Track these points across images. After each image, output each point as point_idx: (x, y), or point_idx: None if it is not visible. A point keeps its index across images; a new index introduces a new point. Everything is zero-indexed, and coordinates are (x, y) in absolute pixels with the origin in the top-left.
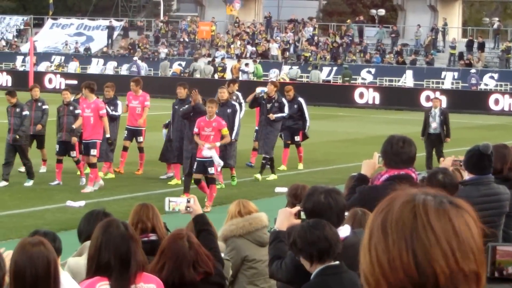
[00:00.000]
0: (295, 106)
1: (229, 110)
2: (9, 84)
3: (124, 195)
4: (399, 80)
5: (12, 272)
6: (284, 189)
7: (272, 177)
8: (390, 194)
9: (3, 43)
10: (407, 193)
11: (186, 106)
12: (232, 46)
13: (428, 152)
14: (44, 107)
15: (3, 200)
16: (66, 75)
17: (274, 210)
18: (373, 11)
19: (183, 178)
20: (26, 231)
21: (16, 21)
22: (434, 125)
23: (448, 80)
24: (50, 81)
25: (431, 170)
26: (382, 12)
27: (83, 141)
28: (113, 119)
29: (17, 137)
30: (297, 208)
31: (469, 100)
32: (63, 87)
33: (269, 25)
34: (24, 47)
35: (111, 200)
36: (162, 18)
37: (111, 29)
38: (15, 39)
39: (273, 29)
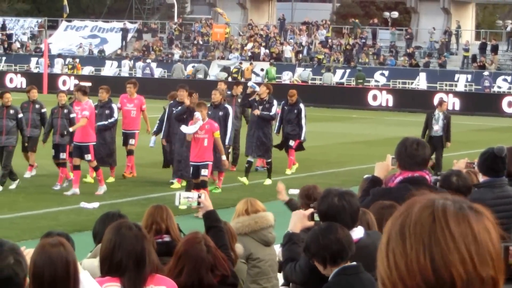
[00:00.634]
0: (295, 111)
1: (221, 113)
2: (24, 86)
3: (138, 196)
4: (412, 83)
5: (31, 272)
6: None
7: (268, 181)
8: (409, 199)
9: (18, 45)
10: (426, 198)
11: (180, 108)
12: (245, 48)
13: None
14: (42, 110)
15: (17, 201)
16: (80, 77)
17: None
18: (387, 14)
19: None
20: (40, 232)
21: (30, 23)
22: (436, 127)
23: (461, 82)
24: (64, 82)
25: (445, 172)
26: (395, 14)
27: (75, 144)
28: (109, 126)
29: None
30: (310, 210)
31: (482, 103)
32: None
33: (283, 27)
34: (38, 49)
35: (125, 202)
36: (176, 20)
37: (125, 31)
38: (29, 41)
39: (286, 31)
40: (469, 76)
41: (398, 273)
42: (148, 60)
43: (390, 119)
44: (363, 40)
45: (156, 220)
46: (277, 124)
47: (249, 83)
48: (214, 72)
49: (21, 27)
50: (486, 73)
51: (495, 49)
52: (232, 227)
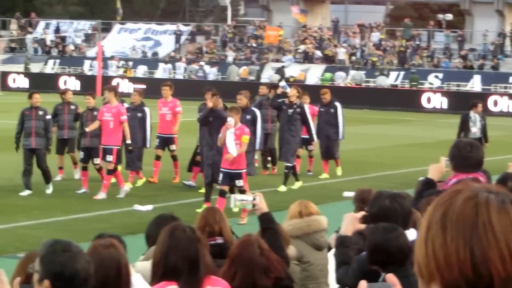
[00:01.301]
0: (331, 110)
1: (248, 117)
2: (78, 88)
3: (191, 199)
4: (466, 85)
5: None
6: (352, 193)
7: (298, 184)
8: (453, 188)
9: (71, 47)
10: (470, 188)
11: (203, 111)
12: (299, 50)
13: None
14: (78, 111)
15: (70, 203)
16: (134, 80)
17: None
18: (440, 16)
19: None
20: (93, 235)
21: (84, 26)
22: (474, 129)
23: None
24: (118, 85)
25: (501, 175)
26: (449, 17)
27: (102, 146)
28: (142, 125)
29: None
30: (362, 213)
31: None
32: (131, 91)
33: (336, 29)
34: (92, 52)
35: (179, 204)
36: (229, 22)
37: (178, 33)
38: (83, 44)
39: (340, 33)
40: None
41: (436, 264)
42: (202, 63)
43: (444, 121)
44: (417, 43)
45: (209, 222)
46: (315, 128)
47: (281, 83)
48: (268, 74)
49: (75, 30)
50: None
51: None
52: (285, 229)
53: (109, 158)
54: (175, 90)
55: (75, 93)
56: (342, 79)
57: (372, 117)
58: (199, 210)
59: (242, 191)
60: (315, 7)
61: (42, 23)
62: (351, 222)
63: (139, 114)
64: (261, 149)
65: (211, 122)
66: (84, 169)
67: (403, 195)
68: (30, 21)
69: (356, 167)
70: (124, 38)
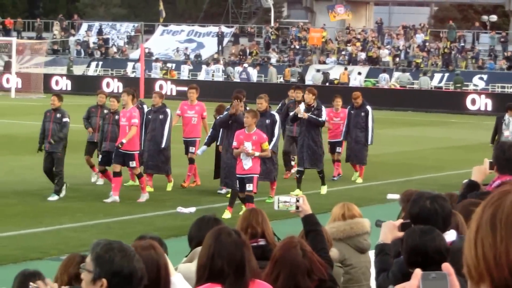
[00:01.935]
0: (362, 114)
1: (268, 121)
2: (120, 90)
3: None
4: (511, 86)
5: None
6: (396, 196)
7: (324, 189)
8: (502, 188)
9: (114, 49)
10: None
11: (224, 114)
12: (343, 52)
13: None
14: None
15: (113, 205)
16: (177, 82)
17: (385, 217)
18: (485, 17)
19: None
20: (135, 237)
21: (127, 27)
22: (507, 133)
23: None
24: (161, 87)
25: None
26: (494, 18)
27: (118, 151)
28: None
29: (53, 142)
30: (400, 221)
31: None
32: (174, 93)
33: (380, 31)
34: (134, 54)
35: (222, 207)
36: (272, 24)
37: (221, 35)
38: (126, 46)
39: (383, 35)
40: None
41: (486, 265)
42: (245, 65)
43: (489, 124)
44: (462, 44)
45: (252, 223)
46: (343, 129)
47: (301, 107)
48: (311, 76)
49: (118, 32)
50: None
51: None
52: (327, 231)
53: (133, 164)
54: (215, 92)
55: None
56: (385, 81)
57: (416, 119)
58: (223, 216)
59: (249, 197)
60: (359, 8)
61: (84, 25)
62: (390, 230)
63: (161, 116)
64: (274, 150)
65: (230, 126)
66: (103, 172)
67: (443, 197)
68: (73, 23)
69: (399, 169)
70: (167, 40)
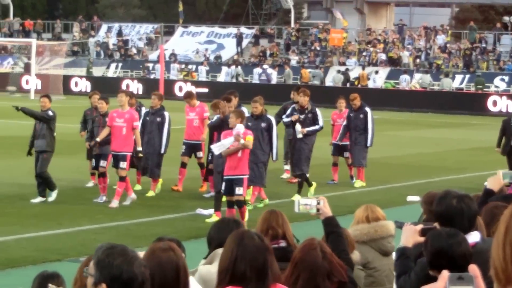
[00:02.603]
0: (361, 116)
1: (263, 124)
2: (140, 92)
3: (254, 203)
4: None
5: None
6: (416, 198)
7: (297, 197)
8: None
9: (134, 50)
10: None
11: (214, 118)
12: (363, 53)
13: (511, 165)
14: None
15: (132, 207)
16: (197, 83)
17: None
18: (506, 18)
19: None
20: (154, 239)
21: (146, 29)
22: None
23: None
24: (180, 89)
25: None
26: None
27: (112, 153)
28: (160, 131)
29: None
30: (421, 226)
31: None
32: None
33: (401, 32)
34: (154, 55)
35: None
36: (293, 25)
37: (240, 36)
38: (145, 47)
39: (404, 36)
40: None
41: None
42: (265, 66)
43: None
44: (483, 45)
45: (272, 225)
46: (340, 131)
47: (298, 128)
48: (331, 77)
49: (137, 33)
50: None
51: None
52: (350, 234)
53: (123, 165)
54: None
55: (138, 96)
56: (406, 82)
57: (436, 120)
58: (208, 220)
59: (239, 201)
60: (380, 9)
61: (104, 27)
62: (411, 234)
63: (158, 119)
64: (277, 159)
65: (222, 128)
66: (101, 175)
67: (470, 197)
68: (92, 25)
69: (420, 171)
70: (187, 42)
